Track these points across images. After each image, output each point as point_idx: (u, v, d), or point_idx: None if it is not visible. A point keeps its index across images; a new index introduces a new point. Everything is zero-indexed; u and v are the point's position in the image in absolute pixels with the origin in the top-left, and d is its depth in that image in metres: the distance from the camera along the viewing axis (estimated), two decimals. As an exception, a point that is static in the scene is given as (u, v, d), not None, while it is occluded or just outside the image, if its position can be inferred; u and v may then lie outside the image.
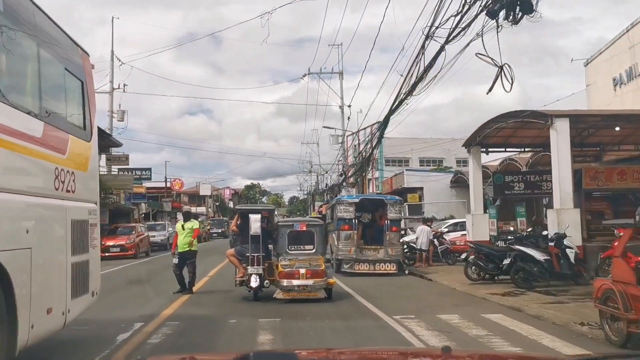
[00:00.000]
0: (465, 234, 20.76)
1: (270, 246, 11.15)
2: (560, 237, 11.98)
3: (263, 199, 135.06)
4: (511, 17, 7.72)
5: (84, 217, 6.43)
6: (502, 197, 18.09)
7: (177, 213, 58.60)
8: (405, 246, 17.71)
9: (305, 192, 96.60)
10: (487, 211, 18.26)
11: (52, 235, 5.61)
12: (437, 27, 9.82)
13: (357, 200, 15.83)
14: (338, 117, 34.26)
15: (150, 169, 52.76)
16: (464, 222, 23.37)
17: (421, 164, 52.12)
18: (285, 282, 10.22)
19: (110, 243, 24.70)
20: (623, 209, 14.58)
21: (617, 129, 15.64)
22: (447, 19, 9.40)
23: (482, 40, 8.41)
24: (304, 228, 11.10)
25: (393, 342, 7.07)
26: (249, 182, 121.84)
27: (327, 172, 48.39)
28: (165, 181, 51.73)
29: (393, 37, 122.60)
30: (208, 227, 50.35)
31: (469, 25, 8.85)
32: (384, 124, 17.70)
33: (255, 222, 10.35)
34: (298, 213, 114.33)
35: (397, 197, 16.52)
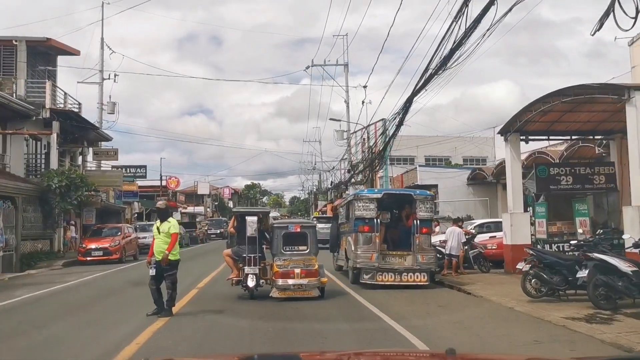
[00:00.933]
0: (493, 236, 17.99)
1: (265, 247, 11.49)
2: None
3: (263, 199, 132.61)
4: None
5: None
6: (547, 193, 15.28)
7: (173, 212, 55.94)
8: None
9: (308, 192, 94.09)
10: (528, 209, 15.48)
11: None
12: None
13: (379, 195, 12.94)
14: (339, 117, 31.43)
15: (145, 167, 49.94)
16: (492, 222, 20.73)
17: (427, 163, 49.37)
18: (280, 282, 10.62)
19: (92, 246, 21.93)
20: None
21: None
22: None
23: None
24: (298, 229, 11.36)
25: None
26: (249, 182, 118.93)
27: (334, 168, 45.36)
28: (161, 179, 48.82)
29: (393, 37, 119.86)
30: (206, 228, 47.57)
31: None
32: (411, 98, 14.91)
33: (251, 224, 10.74)
34: (299, 213, 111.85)
35: (427, 192, 13.66)
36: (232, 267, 11.13)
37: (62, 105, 27.18)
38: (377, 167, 24.05)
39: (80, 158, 31.72)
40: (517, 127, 15.27)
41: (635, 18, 5.57)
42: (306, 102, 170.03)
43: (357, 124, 31.22)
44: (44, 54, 28.12)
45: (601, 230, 11.92)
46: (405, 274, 12.44)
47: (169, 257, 8.92)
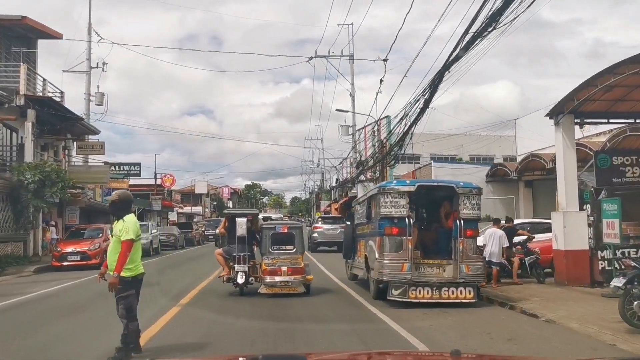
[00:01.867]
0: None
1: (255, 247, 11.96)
2: None
3: (264, 199, 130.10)
4: None
5: None
6: (610, 188, 12.57)
7: (169, 212, 53.13)
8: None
9: (309, 191, 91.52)
10: (584, 207, 12.78)
11: None
12: None
13: (412, 187, 10.15)
14: (340, 117, 28.68)
15: (139, 164, 47.32)
16: (528, 223, 18.04)
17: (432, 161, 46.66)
18: (268, 279, 11.07)
19: (69, 249, 19.22)
20: None
21: None
22: None
23: None
24: (285, 230, 11.88)
25: None
26: (249, 183, 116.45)
27: (341, 163, 42.60)
28: (155, 177, 45.99)
29: (392, 37, 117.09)
30: (203, 229, 44.80)
31: None
32: (439, 76, 12.22)
33: (241, 225, 11.27)
34: (300, 214, 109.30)
35: (473, 184, 10.87)
36: (224, 265, 11.62)
37: (41, 94, 24.52)
38: (393, 159, 21.20)
39: (64, 153, 29.03)
40: (573, 108, 12.56)
41: None
42: (307, 102, 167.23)
43: (369, 115, 28.35)
44: (23, 37, 25.39)
45: None
46: (446, 289, 9.69)
47: (122, 274, 6.08)
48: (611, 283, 8.04)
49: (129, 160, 47.21)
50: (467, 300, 9.68)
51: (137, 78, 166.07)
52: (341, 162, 43.57)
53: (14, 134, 22.80)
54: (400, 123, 17.88)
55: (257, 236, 11.90)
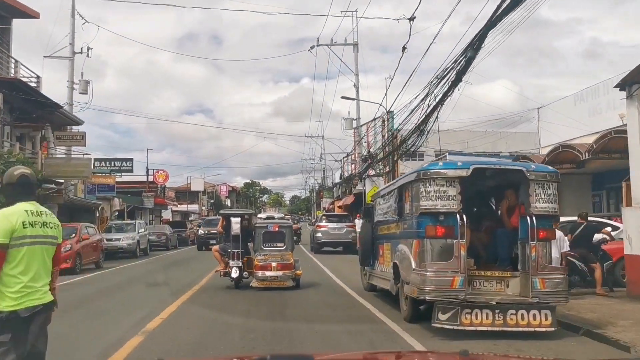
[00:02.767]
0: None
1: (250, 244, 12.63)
2: None
3: (263, 198, 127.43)
4: None
5: None
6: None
7: (162, 210, 50.29)
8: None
9: (310, 189, 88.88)
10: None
11: None
12: None
13: (466, 171, 7.34)
14: (342, 112, 25.89)
15: (132, 159, 44.58)
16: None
17: (438, 158, 43.96)
18: (260, 274, 11.89)
19: (36, 252, 16.44)
20: None
21: None
22: None
23: None
24: (276, 229, 12.42)
25: None
26: (248, 181, 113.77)
27: (348, 156, 39.88)
28: (147, 173, 43.19)
29: (393, 37, 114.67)
30: (197, 228, 41.86)
31: None
32: (480, 37, 9.53)
33: (235, 224, 12.17)
34: (300, 213, 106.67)
35: (549, 167, 7.99)
36: (220, 260, 12.42)
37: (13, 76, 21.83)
38: (412, 147, 18.49)
39: (45, 144, 26.26)
40: (653, 75, 9.89)
41: None
42: (307, 102, 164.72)
43: (380, 105, 25.57)
44: (-5, 15, 22.74)
45: None
46: (513, 312, 6.96)
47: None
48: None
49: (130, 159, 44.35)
50: (544, 329, 6.94)
51: (138, 79, 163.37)
52: (347, 156, 40.78)
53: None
54: (418, 109, 15.20)
55: (253, 234, 12.50)
